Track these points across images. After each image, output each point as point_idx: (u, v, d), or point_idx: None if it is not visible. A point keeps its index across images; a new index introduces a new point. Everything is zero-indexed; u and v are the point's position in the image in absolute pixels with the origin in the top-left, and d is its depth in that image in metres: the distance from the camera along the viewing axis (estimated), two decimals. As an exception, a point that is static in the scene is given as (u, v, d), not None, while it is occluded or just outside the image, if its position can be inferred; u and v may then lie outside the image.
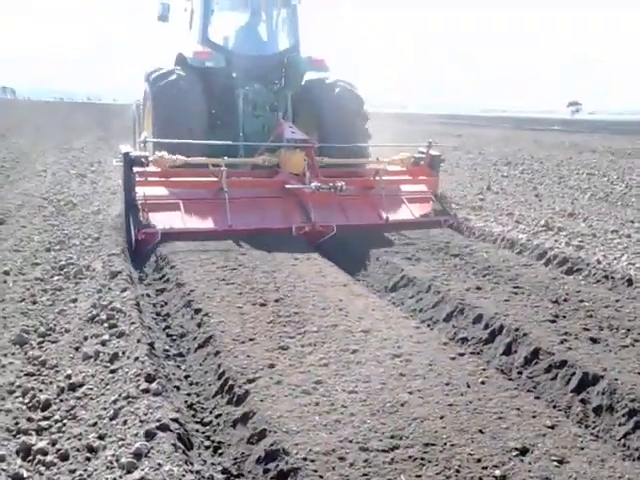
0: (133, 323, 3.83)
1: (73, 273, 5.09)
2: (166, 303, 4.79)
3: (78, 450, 2.61)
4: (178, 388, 3.35)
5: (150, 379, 3.05)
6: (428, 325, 4.42)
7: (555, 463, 2.56)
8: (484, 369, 3.47)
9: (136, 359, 3.30)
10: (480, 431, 2.76)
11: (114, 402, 2.94)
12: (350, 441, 2.66)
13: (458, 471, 2.48)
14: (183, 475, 2.35)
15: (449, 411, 2.93)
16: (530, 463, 2.55)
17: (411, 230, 6.80)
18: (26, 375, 3.33)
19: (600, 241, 6.85)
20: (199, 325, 4.07)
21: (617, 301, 4.57)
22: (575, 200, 9.98)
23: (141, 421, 2.71)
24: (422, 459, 2.56)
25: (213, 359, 3.56)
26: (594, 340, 3.78)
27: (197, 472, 2.53)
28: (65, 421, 2.88)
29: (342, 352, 3.58)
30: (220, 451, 2.84)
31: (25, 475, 2.49)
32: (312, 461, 2.50)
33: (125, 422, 2.75)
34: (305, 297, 4.54)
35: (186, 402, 3.23)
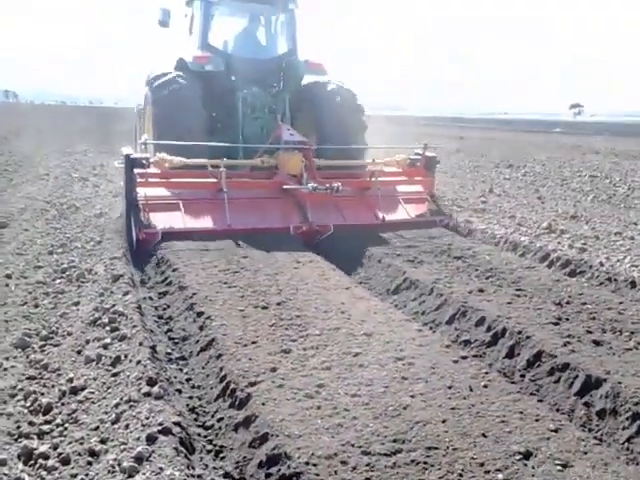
0: (135, 326, 3.82)
1: (75, 276, 5.09)
2: (168, 306, 4.78)
3: (79, 454, 2.60)
4: (180, 391, 3.34)
5: (152, 383, 3.04)
6: (430, 328, 4.41)
7: (559, 467, 2.54)
8: (487, 372, 3.46)
9: (138, 362, 3.30)
10: (483, 435, 2.75)
11: (116, 406, 2.93)
12: (352, 445, 2.64)
13: (461, 475, 2.47)
14: (185, 479, 2.35)
15: (452, 415, 2.92)
16: (533, 467, 2.54)
17: (409, 230, 6.87)
18: (28, 379, 3.33)
19: (603, 243, 6.83)
20: (201, 328, 4.07)
21: (620, 303, 4.55)
22: (578, 202, 9.96)
23: (143, 425, 2.70)
24: (425, 463, 2.55)
25: (215, 362, 3.55)
26: (597, 343, 3.76)
27: (199, 476, 2.53)
28: (67, 425, 2.87)
29: (344, 355, 3.57)
30: (222, 455, 2.83)
31: (26, 479, 2.48)
32: (314, 465, 2.49)
33: (127, 426, 2.74)
34: (307, 300, 4.53)
35: (188, 406, 3.22)
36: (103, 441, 2.69)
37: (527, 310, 4.37)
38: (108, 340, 3.71)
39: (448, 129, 37.00)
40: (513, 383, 3.47)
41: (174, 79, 7.77)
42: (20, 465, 2.58)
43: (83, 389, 3.18)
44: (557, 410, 3.21)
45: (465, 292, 4.77)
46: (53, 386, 3.26)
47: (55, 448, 2.67)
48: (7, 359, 3.53)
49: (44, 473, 2.52)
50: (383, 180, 7.38)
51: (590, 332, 3.95)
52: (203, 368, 3.62)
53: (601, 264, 5.76)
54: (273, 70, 8.63)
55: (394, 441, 2.69)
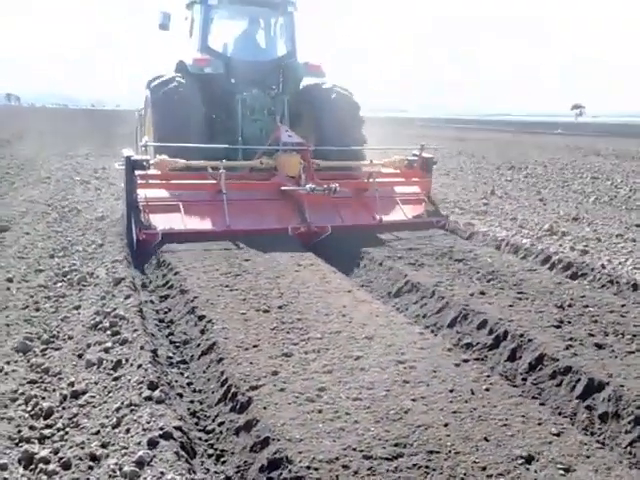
0: (136, 330, 3.82)
1: (77, 280, 5.10)
2: (170, 310, 4.78)
3: (80, 459, 2.60)
4: (181, 395, 3.33)
5: (153, 387, 3.04)
6: (432, 331, 4.40)
7: (561, 471, 2.53)
8: (488, 375, 3.44)
9: (139, 366, 3.30)
10: (485, 439, 2.74)
11: (117, 410, 2.93)
12: (354, 449, 2.64)
13: (463, 479, 2.46)
14: (186, 484, 2.34)
15: (453, 418, 2.91)
16: (536, 471, 2.53)
17: (410, 232, 6.92)
18: (29, 383, 3.33)
19: (605, 245, 6.82)
20: (202, 332, 4.06)
21: (622, 306, 4.53)
22: (579, 204, 9.95)
23: (144, 429, 2.70)
24: (426, 467, 2.54)
25: (216, 366, 3.55)
26: (599, 346, 3.75)
27: (200, 481, 2.52)
28: (68, 429, 2.87)
29: (346, 359, 3.56)
30: (223, 459, 2.82)
31: (27, 484, 2.48)
32: (316, 469, 2.48)
33: (128, 430, 2.74)
34: (309, 303, 4.52)
35: (189, 410, 3.21)
36: (104, 445, 2.68)
37: (529, 313, 4.36)
38: (109, 344, 3.71)
39: (449, 131, 37.01)
40: (515, 386, 3.46)
41: (174, 82, 7.85)
42: (21, 470, 2.58)
43: (84, 393, 3.18)
44: (559, 414, 3.20)
45: (466, 295, 4.76)
46: (54, 390, 3.26)
47: (56, 452, 2.67)
48: (8, 363, 3.54)
49: (45, 478, 2.52)
50: (380, 181, 7.45)
51: (592, 335, 3.94)
52: (204, 372, 3.61)
53: (603, 266, 5.75)
54: (272, 72, 8.70)
55: (395, 445, 2.68)
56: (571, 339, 3.85)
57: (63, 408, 3.07)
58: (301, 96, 8.70)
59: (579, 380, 3.32)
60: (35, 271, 5.37)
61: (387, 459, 2.58)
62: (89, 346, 3.78)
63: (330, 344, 3.77)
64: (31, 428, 2.87)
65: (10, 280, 5.03)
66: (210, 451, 2.88)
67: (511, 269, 5.58)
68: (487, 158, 18.31)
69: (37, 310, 4.44)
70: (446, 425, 2.84)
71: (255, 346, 3.71)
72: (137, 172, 6.44)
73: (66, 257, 5.88)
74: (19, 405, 3.08)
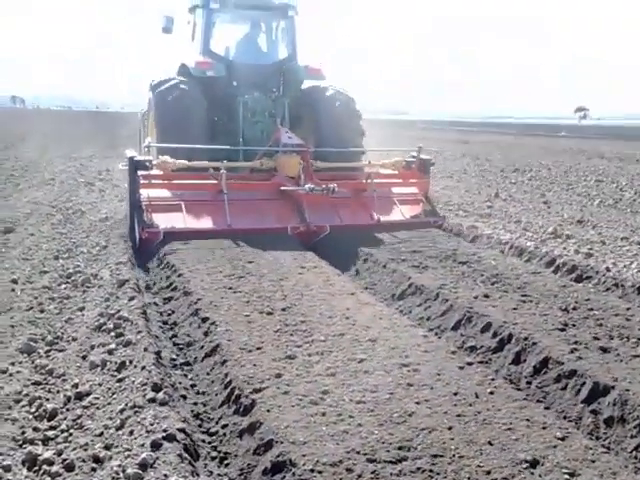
0: (140, 332, 3.82)
1: (81, 281, 5.10)
2: (173, 312, 4.78)
3: (84, 460, 2.59)
4: (185, 397, 3.33)
5: (157, 388, 3.04)
6: (436, 334, 4.39)
7: (566, 476, 2.52)
8: (493, 379, 3.43)
9: (143, 368, 3.30)
10: (489, 442, 2.73)
11: (120, 412, 2.93)
12: (357, 452, 2.63)
13: (467, 483, 2.45)
14: (189, 486, 2.34)
15: (457, 422, 2.90)
16: (540, 476, 2.51)
17: (413, 233, 7.01)
18: (33, 384, 3.33)
19: (610, 248, 6.79)
20: (206, 334, 4.06)
21: (628, 309, 4.52)
22: (584, 207, 9.92)
23: (147, 431, 2.70)
24: (430, 471, 2.53)
25: (220, 368, 3.55)
26: (604, 349, 3.73)
27: (203, 483, 2.51)
28: (71, 431, 2.87)
29: (349, 361, 3.55)
30: (226, 462, 2.82)
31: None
32: (319, 472, 2.48)
33: (131, 432, 2.74)
34: (312, 306, 4.52)
35: (192, 412, 3.21)
36: (107, 447, 2.68)
37: (533, 316, 4.35)
38: (113, 346, 3.71)
39: (451, 133, 36.98)
40: (519, 390, 3.44)
41: (177, 84, 8.02)
42: (24, 471, 2.57)
43: (88, 395, 3.18)
44: (564, 418, 3.18)
45: (471, 298, 4.75)
46: (58, 391, 3.26)
47: (59, 454, 2.67)
48: (13, 364, 3.54)
49: (48, 479, 2.52)
50: (379, 182, 7.63)
51: (597, 338, 3.92)
52: (208, 374, 3.61)
53: (608, 269, 5.72)
54: (273, 75, 8.85)
55: (399, 448, 2.67)
56: (576, 342, 3.84)
57: (67, 409, 3.07)
58: (301, 99, 8.84)
59: (584, 384, 3.30)
60: (39, 272, 5.38)
61: (391, 462, 2.57)
62: (93, 348, 3.78)
63: (334, 347, 3.77)
64: (35, 429, 2.87)
65: (15, 281, 5.04)
66: (213, 453, 2.87)
67: (515, 272, 5.56)
68: (491, 160, 18.28)
69: (41, 311, 4.44)
70: (450, 428, 2.83)
71: (259, 348, 3.71)
72: (140, 172, 6.59)
73: (70, 259, 5.89)
74: (23, 406, 3.07)
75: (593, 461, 2.63)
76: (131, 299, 4.49)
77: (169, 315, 4.73)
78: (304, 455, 2.57)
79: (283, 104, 8.74)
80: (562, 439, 2.78)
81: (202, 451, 2.85)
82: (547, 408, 3.22)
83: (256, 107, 8.61)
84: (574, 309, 4.52)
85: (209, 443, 2.96)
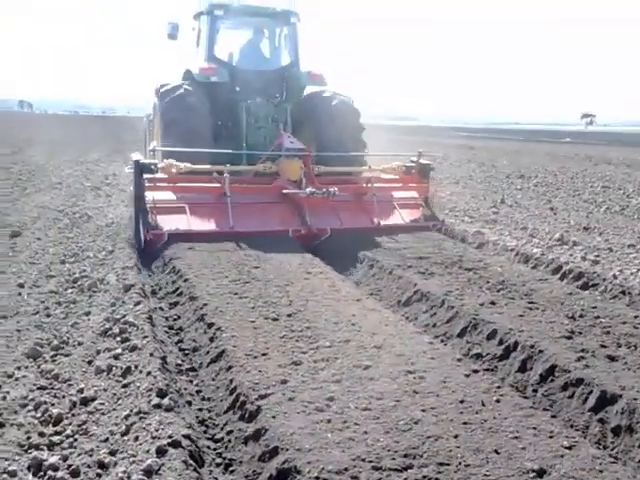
0: (146, 337, 3.83)
1: (87, 286, 5.12)
2: (179, 317, 4.79)
3: (89, 466, 2.60)
4: (190, 403, 3.33)
5: (162, 394, 3.04)
6: (442, 341, 4.37)
7: (573, 485, 2.50)
8: (499, 386, 3.41)
9: (148, 373, 3.30)
10: (496, 451, 2.71)
11: (126, 417, 2.93)
12: (363, 460, 2.61)
13: (473, 492, 2.44)
14: (194, 493, 2.33)
15: (464, 430, 2.88)
16: (547, 485, 2.50)
17: (418, 239, 7.07)
18: (39, 389, 3.33)
19: (617, 255, 6.75)
20: (211, 339, 4.06)
21: (635, 317, 4.49)
22: (590, 213, 9.88)
23: (152, 437, 2.70)
24: (436, 479, 2.51)
25: (225, 374, 3.54)
26: (612, 358, 3.71)
27: (208, 490, 2.51)
28: (77, 436, 2.87)
29: (355, 368, 3.54)
30: (231, 469, 2.81)
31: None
32: (325, 480, 2.47)
33: (137, 438, 2.74)
34: (318, 312, 4.51)
35: (197, 418, 3.21)
36: (113, 453, 2.68)
37: (539, 323, 4.33)
38: (119, 350, 3.72)
39: (458, 139, 36.97)
40: (526, 398, 3.42)
41: (181, 90, 8.17)
42: (30, 476, 2.57)
43: (93, 400, 3.19)
44: (571, 426, 3.16)
45: (476, 305, 4.73)
46: (64, 396, 3.27)
47: (65, 460, 2.67)
48: (19, 369, 3.55)
49: (53, 485, 2.52)
50: (379, 186, 7.78)
51: (604, 346, 3.90)
52: (213, 380, 3.61)
53: (615, 277, 5.69)
54: (276, 81, 9.01)
55: (405, 456, 2.66)
56: (583, 350, 3.81)
57: (72, 415, 3.07)
58: (303, 104, 8.99)
59: (591, 392, 3.28)
60: (46, 277, 5.40)
61: (397, 470, 2.56)
62: (99, 352, 3.79)
63: (339, 353, 3.76)
64: (40, 435, 2.87)
65: (21, 285, 5.06)
66: (218, 460, 2.87)
67: (521, 279, 5.54)
68: (497, 167, 18.25)
69: (48, 316, 4.46)
70: (456, 436, 2.82)
71: (264, 354, 3.71)
72: (145, 175, 6.72)
73: (77, 263, 5.91)
74: (29, 411, 3.08)
75: (601, 471, 2.61)
76: (137, 304, 4.50)
77: (175, 320, 4.74)
78: (309, 462, 2.56)
79: (285, 109, 8.88)
80: (569, 448, 2.76)
81: (207, 457, 2.84)
82: (554, 417, 3.19)
83: (259, 112, 8.76)
84: (581, 317, 4.50)
85: (214, 449, 2.96)
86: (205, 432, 3.10)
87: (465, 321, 4.47)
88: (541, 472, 2.56)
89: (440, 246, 6.83)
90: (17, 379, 3.42)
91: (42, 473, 2.59)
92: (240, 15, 9.14)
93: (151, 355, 3.52)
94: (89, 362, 3.68)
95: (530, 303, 4.81)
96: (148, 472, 2.44)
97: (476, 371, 3.61)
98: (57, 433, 2.90)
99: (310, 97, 9.02)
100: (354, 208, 7.50)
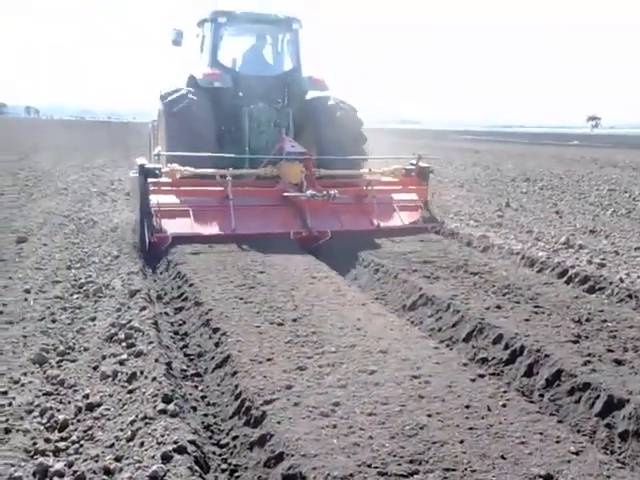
0: (151, 342, 3.83)
1: (92, 291, 5.13)
2: (184, 322, 4.79)
3: (95, 472, 2.59)
4: (195, 409, 3.33)
5: (167, 400, 3.04)
6: (447, 345, 4.36)
7: (581, 491, 2.48)
8: (505, 391, 3.40)
9: (154, 379, 3.30)
10: (502, 456, 2.69)
11: (131, 423, 2.93)
12: (369, 465, 2.61)
13: (480, 498, 2.42)
14: (199, 499, 2.33)
15: (469, 435, 2.87)
16: (554, 491, 2.48)
17: (424, 243, 7.11)
18: (45, 394, 3.34)
19: (623, 259, 6.72)
20: (217, 345, 4.06)
21: (642, 321, 4.46)
22: (596, 216, 9.83)
23: (158, 443, 2.69)
24: (442, 485, 2.50)
25: (230, 379, 3.54)
26: (619, 362, 3.68)
27: (214, 496, 2.50)
28: (82, 442, 2.87)
29: (360, 373, 3.53)
30: (237, 474, 2.81)
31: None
32: (330, 486, 2.46)
33: (142, 444, 2.74)
34: (323, 316, 4.51)
35: (203, 423, 3.21)
36: (118, 459, 2.68)
37: (545, 327, 4.31)
38: (124, 356, 3.72)
39: (462, 142, 36.92)
40: (532, 403, 3.40)
41: (185, 95, 8.31)
42: (35, 483, 2.58)
43: (99, 405, 3.19)
44: (578, 431, 3.14)
45: (482, 309, 4.72)
46: (69, 402, 3.27)
47: (70, 466, 2.67)
48: (25, 374, 3.56)
49: (59, 491, 2.52)
50: (379, 189, 7.88)
51: (611, 351, 3.88)
52: (218, 385, 3.61)
53: (621, 280, 5.66)
54: (278, 86, 9.16)
55: (411, 462, 2.64)
56: (589, 355, 3.79)
57: (78, 420, 3.07)
58: (305, 109, 9.12)
59: (598, 397, 3.26)
60: (52, 282, 5.42)
61: (402, 476, 2.54)
62: (104, 358, 3.79)
63: (345, 358, 3.75)
64: (46, 441, 2.88)
65: (28, 291, 5.08)
66: (224, 466, 2.86)
67: (527, 283, 5.52)
68: (502, 170, 18.21)
69: (53, 321, 4.47)
70: (462, 442, 2.80)
71: (269, 359, 3.70)
72: (150, 179, 6.86)
73: (82, 268, 5.93)
74: (34, 417, 3.09)
75: (608, 477, 2.59)
76: (142, 309, 4.51)
77: (180, 325, 4.75)
78: (315, 468, 2.56)
79: (287, 114, 9.01)
80: (576, 453, 2.74)
81: (212, 463, 2.84)
82: (560, 422, 3.17)
83: (261, 117, 8.89)
84: (587, 321, 4.47)
85: (219, 455, 2.95)
86: (210, 438, 3.09)
87: (471, 325, 4.45)
88: (548, 478, 2.55)
89: (445, 250, 6.82)
90: (23, 385, 3.42)
91: (47, 479, 2.59)
92: (243, 22, 9.30)
93: (156, 361, 3.53)
94: (95, 368, 3.69)
95: (536, 307, 4.79)
96: (154, 478, 2.44)
97: (482, 376, 3.59)
98: (63, 439, 2.91)
99: (311, 102, 9.18)
100: (354, 210, 7.62)
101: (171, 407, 2.96)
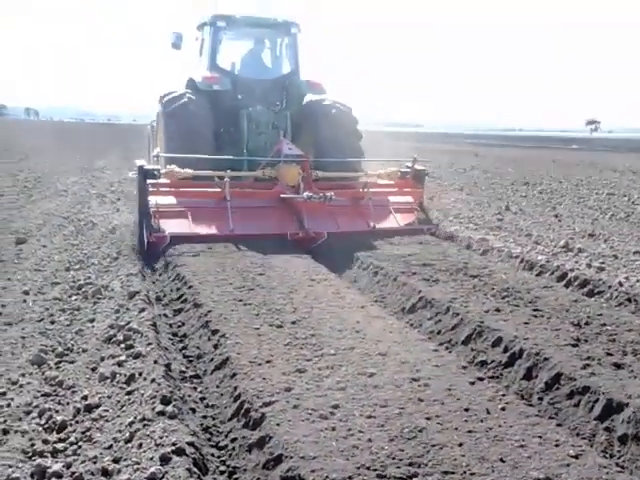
0: (150, 344, 3.83)
1: (91, 293, 5.13)
2: (183, 323, 4.79)
3: (93, 474, 2.58)
4: (194, 411, 3.32)
5: (166, 401, 3.03)
6: (447, 348, 4.35)
7: (579, 494, 2.48)
8: (504, 394, 3.40)
9: (152, 381, 3.29)
10: (501, 460, 2.69)
11: (130, 424, 2.92)
12: (368, 468, 2.60)
13: (479, 501, 2.42)
14: (198, 501, 2.32)
15: (468, 438, 2.86)
16: (553, 494, 2.48)
17: (422, 246, 7.15)
18: (43, 396, 3.33)
19: (622, 262, 6.72)
20: (216, 346, 4.05)
21: (641, 325, 4.46)
22: (595, 220, 9.85)
23: (156, 444, 2.69)
24: (441, 488, 2.50)
25: (229, 381, 3.53)
26: (618, 365, 3.68)
27: (212, 498, 2.50)
28: (80, 443, 2.87)
29: (360, 375, 3.53)
30: (235, 476, 2.79)
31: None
32: (329, 488, 2.45)
33: (140, 445, 2.73)
34: (322, 319, 4.51)
35: (202, 425, 3.20)
36: (116, 460, 2.67)
37: (545, 331, 4.30)
38: (123, 357, 3.71)
39: (463, 146, 36.98)
40: (531, 406, 3.40)
41: (185, 98, 8.41)
42: (33, 484, 2.57)
43: (97, 407, 3.18)
44: (577, 435, 3.14)
45: (481, 312, 4.72)
46: (68, 403, 3.26)
47: (68, 467, 2.66)
48: (23, 375, 3.55)
49: (57, 493, 2.51)
50: (375, 191, 7.98)
51: (610, 354, 3.88)
52: (217, 387, 3.60)
53: (620, 284, 5.66)
54: (276, 89, 9.28)
55: (410, 464, 2.64)
56: (588, 358, 3.79)
57: (76, 422, 3.06)
58: (303, 111, 9.21)
59: (597, 400, 3.25)
60: (51, 284, 5.41)
61: (401, 479, 2.54)
62: (103, 359, 3.78)
63: (344, 360, 3.75)
64: (44, 442, 2.87)
65: (26, 292, 5.07)
66: (222, 468, 2.85)
67: (526, 286, 5.52)
68: (501, 173, 18.24)
69: (52, 323, 4.46)
70: (461, 445, 2.80)
71: (268, 362, 3.70)
72: (149, 180, 6.90)
73: (81, 270, 5.92)
74: (33, 418, 3.08)
75: (607, 480, 2.59)
76: (141, 311, 4.50)
77: (179, 327, 4.74)
78: (313, 470, 2.55)
79: (285, 117, 9.10)
80: (575, 457, 2.73)
81: (211, 465, 2.83)
82: (559, 425, 3.17)
83: (260, 119, 8.97)
84: (586, 324, 4.47)
85: (218, 457, 2.94)
86: (209, 439, 3.08)
87: (470, 328, 4.45)
88: (547, 481, 2.54)
89: (444, 253, 6.82)
90: (21, 386, 3.42)
91: (46, 480, 2.58)
92: (242, 26, 9.40)
93: (155, 362, 3.52)
94: (93, 369, 3.68)
95: (535, 310, 4.79)
96: (152, 480, 2.43)
97: (481, 379, 3.59)
98: (61, 440, 2.90)
99: (309, 105, 9.26)
100: (351, 212, 7.75)
101: (170, 409, 2.95)
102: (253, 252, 6.51)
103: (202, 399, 3.53)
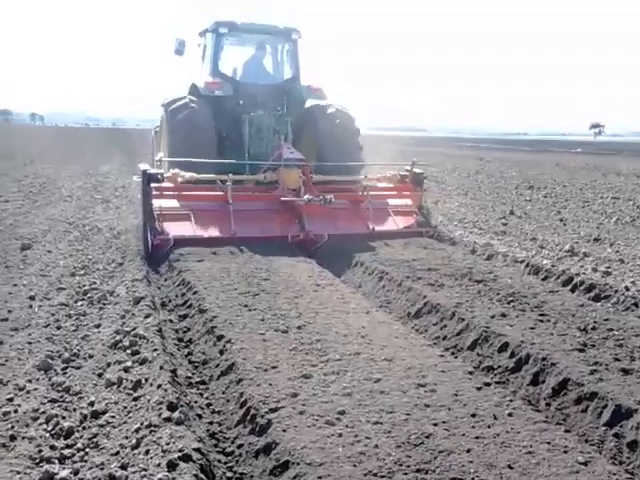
0: (156, 350, 3.82)
1: (97, 298, 5.13)
2: (189, 329, 4.79)
3: (100, 480, 2.58)
4: (200, 417, 3.32)
5: (172, 407, 3.03)
6: (452, 353, 4.34)
7: (589, 502, 2.46)
8: (511, 400, 3.38)
9: (159, 386, 3.29)
10: (509, 466, 2.68)
11: (136, 431, 2.92)
12: (375, 474, 2.59)
13: (487, 508, 2.40)
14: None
15: (476, 444, 2.85)
16: (562, 501, 2.46)
17: (427, 251, 7.17)
18: (50, 401, 3.33)
19: (628, 267, 6.70)
20: (221, 352, 4.05)
21: (648, 330, 4.43)
22: (600, 224, 9.81)
23: (163, 451, 2.68)
24: (449, 495, 2.48)
25: (235, 387, 3.53)
26: (626, 371, 3.66)
27: (219, 505, 2.49)
28: (87, 450, 2.86)
29: (365, 381, 3.52)
30: (242, 483, 2.79)
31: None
32: (336, 495, 2.45)
33: (147, 452, 2.73)
34: (328, 324, 4.50)
35: (208, 431, 3.20)
36: (123, 467, 2.67)
37: (551, 336, 4.29)
38: (129, 363, 3.71)
39: (467, 150, 36.96)
40: (538, 412, 3.38)
41: (187, 103, 8.57)
42: (41, 490, 2.57)
43: (104, 413, 3.18)
44: (586, 441, 3.11)
45: (487, 317, 4.70)
46: (75, 409, 3.26)
47: (76, 473, 2.66)
48: (30, 381, 3.55)
49: (64, 499, 2.51)
50: (374, 194, 8.10)
51: (618, 359, 3.86)
52: (223, 393, 3.59)
53: (627, 288, 5.64)
54: (277, 95, 9.41)
55: (417, 471, 2.63)
56: (596, 363, 3.77)
57: (83, 428, 3.06)
58: (304, 116, 9.35)
59: (606, 406, 3.23)
60: (56, 289, 5.42)
61: (409, 486, 2.53)
62: (109, 365, 3.79)
63: (349, 366, 3.74)
64: (52, 448, 2.87)
65: (32, 298, 5.08)
66: (229, 474, 2.85)
67: (532, 290, 5.51)
68: (505, 177, 18.21)
69: (58, 328, 4.47)
70: (469, 451, 2.79)
71: (274, 367, 3.69)
72: (152, 184, 7.03)
73: (87, 275, 5.93)
74: (40, 424, 3.08)
75: (617, 487, 2.57)
76: (147, 316, 4.51)
77: (184, 332, 4.74)
78: (320, 477, 2.54)
79: (287, 122, 9.25)
80: (584, 464, 2.72)
81: (218, 471, 2.82)
82: (568, 431, 3.15)
83: (261, 124, 9.13)
84: (593, 329, 4.45)
85: (225, 463, 2.94)
86: (216, 446, 3.08)
87: (476, 333, 4.43)
88: (556, 488, 2.53)
89: (449, 257, 6.81)
90: (28, 392, 3.42)
91: (53, 487, 2.58)
92: (244, 32, 9.54)
93: (161, 368, 3.52)
94: (99, 375, 3.68)
95: (541, 315, 4.77)
96: (159, 486, 2.43)
97: (488, 384, 3.58)
98: (68, 446, 2.90)
99: (310, 110, 9.38)
100: (350, 215, 7.86)
101: (176, 415, 2.95)
102: (258, 257, 6.53)
103: (208, 405, 3.52)
